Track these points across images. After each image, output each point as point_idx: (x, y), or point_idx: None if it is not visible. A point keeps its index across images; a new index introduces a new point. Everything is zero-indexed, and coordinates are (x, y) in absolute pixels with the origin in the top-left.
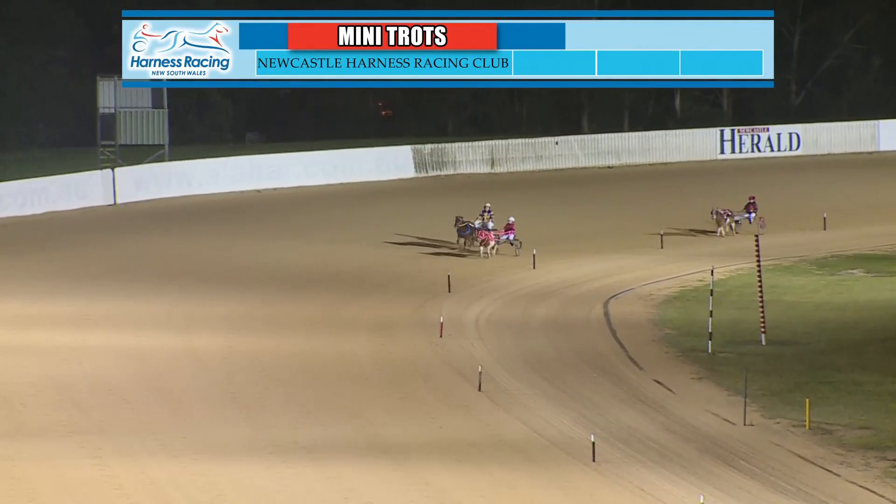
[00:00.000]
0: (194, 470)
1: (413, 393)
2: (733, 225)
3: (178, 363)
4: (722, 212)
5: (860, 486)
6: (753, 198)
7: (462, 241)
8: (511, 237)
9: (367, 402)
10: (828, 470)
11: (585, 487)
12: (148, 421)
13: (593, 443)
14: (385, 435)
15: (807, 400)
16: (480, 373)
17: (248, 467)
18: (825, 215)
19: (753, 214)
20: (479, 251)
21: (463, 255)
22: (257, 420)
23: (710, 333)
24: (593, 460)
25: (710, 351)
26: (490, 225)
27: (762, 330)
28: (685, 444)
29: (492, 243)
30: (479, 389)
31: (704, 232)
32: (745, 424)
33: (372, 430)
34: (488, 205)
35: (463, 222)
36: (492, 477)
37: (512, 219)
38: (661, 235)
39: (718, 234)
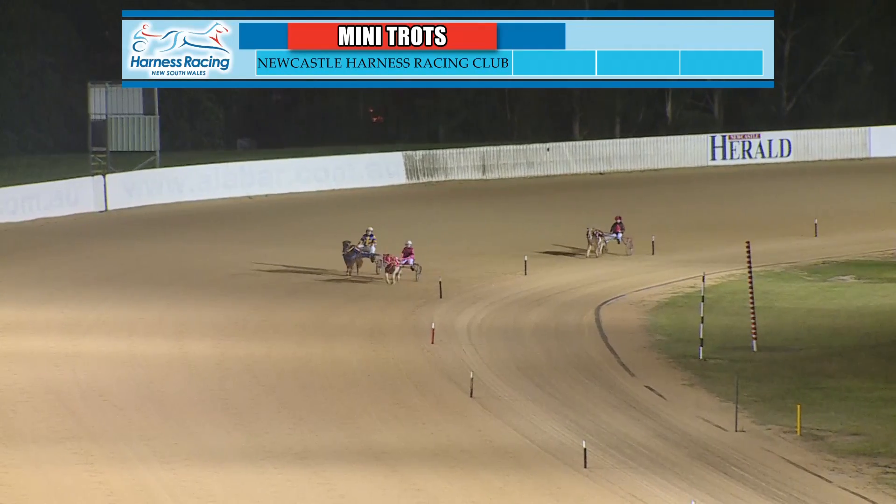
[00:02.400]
0: (186, 476)
1: (405, 399)
2: (603, 245)
3: (171, 369)
4: (596, 232)
5: (852, 493)
6: (619, 218)
7: (349, 265)
8: (411, 262)
9: (360, 408)
10: (819, 476)
11: (577, 493)
12: (140, 427)
13: (585, 449)
14: (377, 441)
15: (798, 406)
16: (472, 379)
17: (240, 473)
18: (816, 221)
19: (621, 234)
20: (361, 276)
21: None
22: (249, 426)
23: (702, 339)
24: (585, 466)
25: (701, 357)
26: (372, 249)
27: (753, 336)
28: (676, 450)
29: (397, 269)
30: (471, 395)
31: (565, 254)
32: (736, 430)
33: (364, 436)
34: (370, 229)
35: (350, 247)
36: (483, 483)
37: (410, 242)
38: (653, 241)
39: (588, 253)
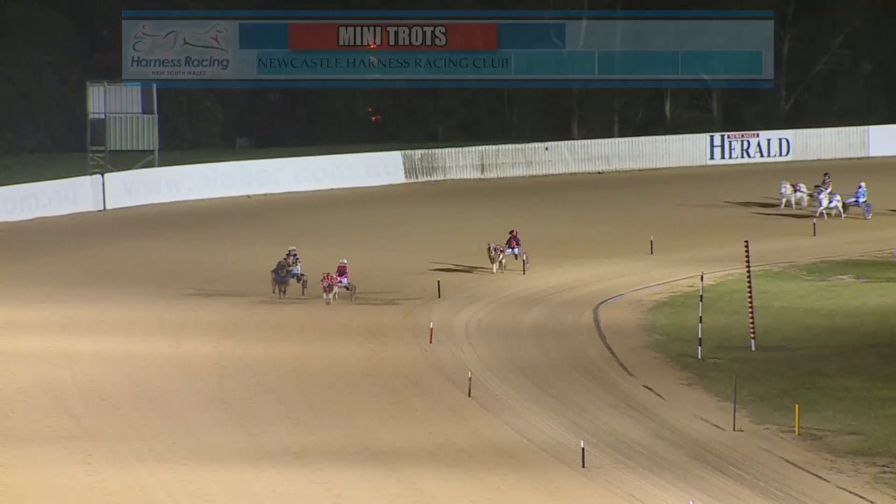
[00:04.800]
0: (184, 476)
1: (403, 398)
2: (502, 261)
3: (169, 369)
4: (497, 247)
5: (850, 492)
6: (514, 231)
7: (279, 287)
8: (344, 281)
9: (358, 407)
10: (817, 475)
11: (575, 493)
12: (138, 427)
13: (583, 448)
14: (375, 440)
15: (796, 405)
16: (470, 378)
17: (238, 473)
18: (814, 221)
19: (517, 249)
20: (289, 298)
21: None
22: (248, 426)
23: (700, 339)
24: (583, 466)
25: (699, 356)
26: (297, 269)
27: (752, 335)
28: (675, 450)
29: (336, 288)
30: (469, 395)
31: (463, 271)
32: (734, 430)
33: (362, 435)
34: (293, 248)
35: (286, 268)
36: (481, 482)
37: (344, 261)
38: (651, 241)
39: (493, 270)
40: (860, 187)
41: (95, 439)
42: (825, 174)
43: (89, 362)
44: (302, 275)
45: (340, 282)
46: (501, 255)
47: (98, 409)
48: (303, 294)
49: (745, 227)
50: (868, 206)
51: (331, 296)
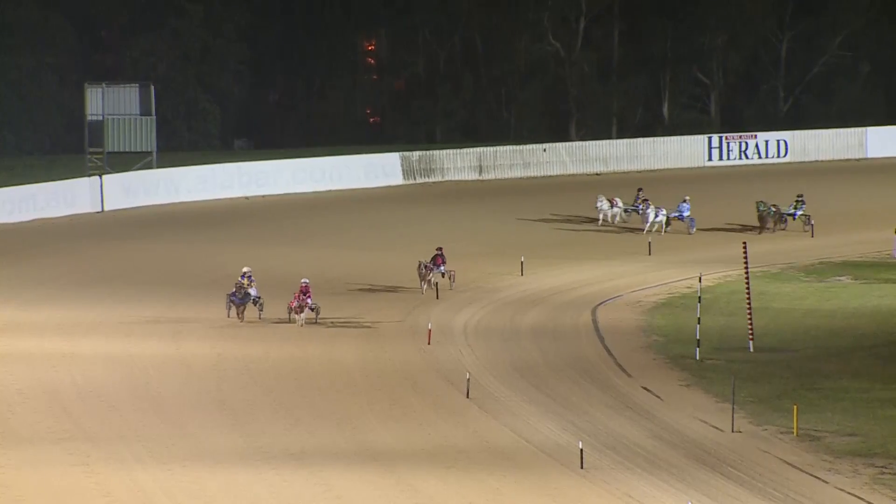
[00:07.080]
0: (183, 477)
1: (402, 400)
2: (431, 279)
3: (168, 370)
4: (428, 266)
5: (848, 493)
6: (440, 249)
7: (237, 310)
8: (310, 301)
9: (356, 408)
10: (816, 477)
11: (573, 494)
12: (137, 428)
13: (581, 449)
14: (374, 442)
15: (795, 407)
16: (468, 380)
17: (237, 474)
18: (813, 222)
19: (443, 267)
20: (243, 320)
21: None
22: (247, 427)
23: (698, 340)
24: (581, 467)
25: (698, 358)
26: (253, 291)
27: (750, 337)
28: (673, 451)
29: (307, 309)
30: (468, 396)
31: (389, 291)
32: (732, 431)
33: (361, 436)
34: (248, 269)
35: (244, 290)
36: (480, 483)
37: (306, 280)
38: (649, 242)
39: (423, 289)
40: (684, 202)
41: (94, 440)
42: (639, 189)
43: (88, 363)
44: (258, 297)
45: (308, 302)
46: (430, 274)
47: (97, 411)
48: (259, 318)
49: (744, 228)
50: (693, 220)
51: (302, 317)
